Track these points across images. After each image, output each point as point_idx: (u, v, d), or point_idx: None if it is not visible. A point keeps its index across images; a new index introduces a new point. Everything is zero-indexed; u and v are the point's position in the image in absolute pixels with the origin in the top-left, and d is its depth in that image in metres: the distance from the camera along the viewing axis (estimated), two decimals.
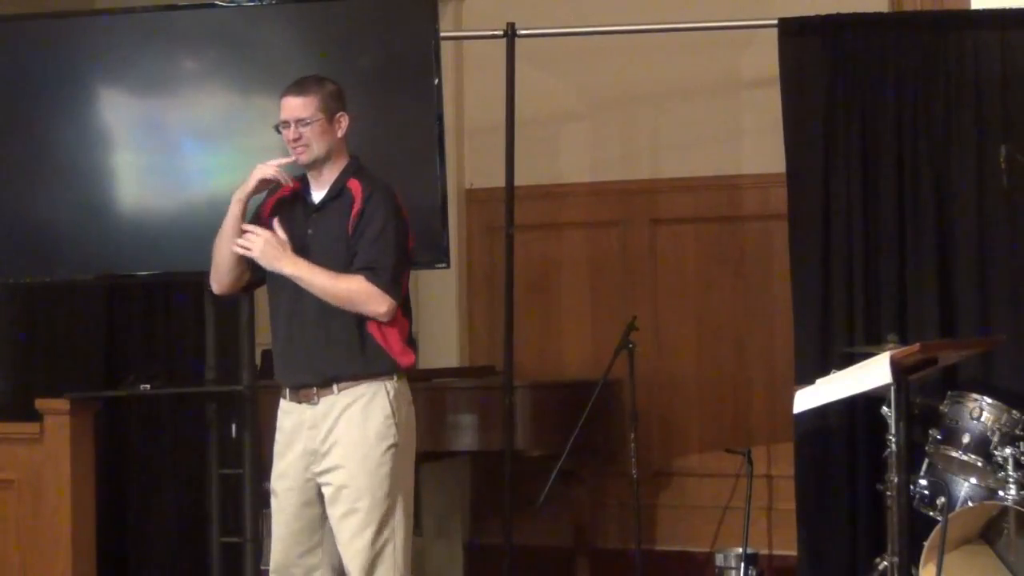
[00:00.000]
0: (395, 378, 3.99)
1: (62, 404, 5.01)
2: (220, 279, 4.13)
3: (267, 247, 3.95)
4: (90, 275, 5.19)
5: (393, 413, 3.95)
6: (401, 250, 3.97)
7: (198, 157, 5.01)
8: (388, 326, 3.96)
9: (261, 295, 5.52)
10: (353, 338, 3.93)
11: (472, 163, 6.55)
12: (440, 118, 4.90)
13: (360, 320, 3.93)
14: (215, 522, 5.14)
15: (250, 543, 5.06)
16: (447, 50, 5.72)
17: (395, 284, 3.93)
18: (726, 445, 5.69)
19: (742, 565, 5.22)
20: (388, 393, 3.96)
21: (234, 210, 4.04)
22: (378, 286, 3.89)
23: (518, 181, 5.48)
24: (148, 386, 5.12)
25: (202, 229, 4.88)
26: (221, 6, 5.09)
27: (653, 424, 6.24)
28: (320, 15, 5.07)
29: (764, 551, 5.84)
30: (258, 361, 5.43)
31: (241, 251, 3.99)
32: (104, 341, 5.89)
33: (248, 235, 3.97)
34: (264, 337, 5.95)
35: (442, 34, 5.14)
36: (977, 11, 5.86)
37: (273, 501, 4.08)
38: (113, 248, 5.05)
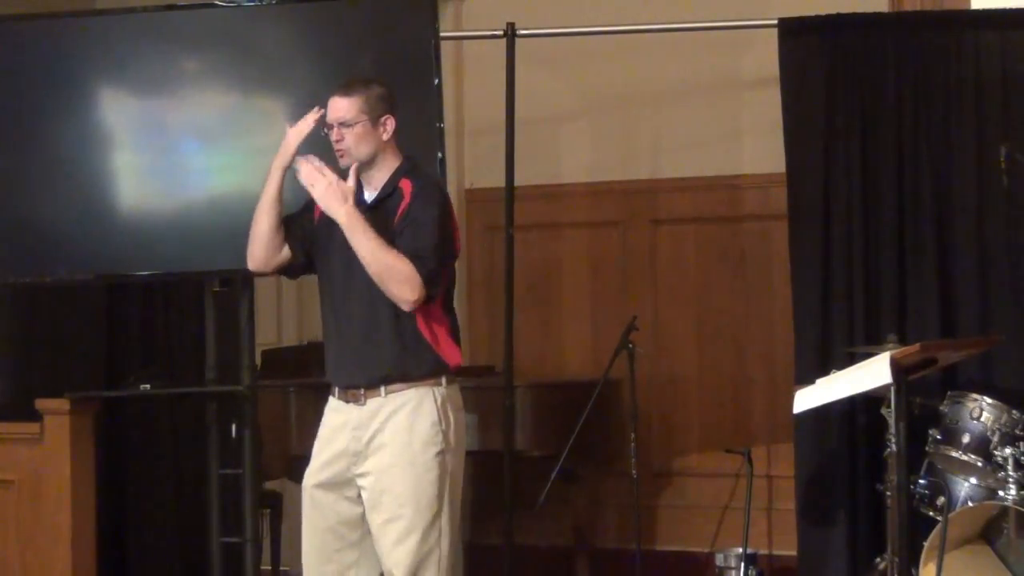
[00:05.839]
0: (444, 382, 3.93)
1: (62, 404, 5.00)
2: (255, 252, 4.03)
3: (329, 188, 3.81)
4: (90, 275, 5.18)
5: (440, 419, 3.89)
6: (446, 246, 3.90)
7: (198, 157, 5.00)
8: (437, 323, 3.92)
9: (261, 295, 5.57)
10: (403, 334, 3.86)
11: (472, 163, 6.55)
12: (440, 118, 4.90)
13: (410, 316, 3.86)
14: (215, 522, 5.13)
15: (250, 543, 5.05)
16: (447, 50, 5.71)
17: (433, 278, 3.84)
18: (726, 445, 5.68)
19: (742, 565, 5.21)
20: (436, 399, 3.90)
21: (274, 179, 3.95)
22: (420, 274, 3.79)
23: (518, 181, 5.48)
24: (148, 386, 5.12)
25: (202, 229, 4.92)
26: (221, 6, 5.08)
27: (653, 424, 6.24)
28: (320, 15, 5.06)
29: (764, 551, 5.84)
30: (258, 361, 5.43)
31: (304, 182, 3.86)
32: (104, 341, 5.88)
33: (315, 170, 3.84)
34: (264, 337, 5.99)
35: (442, 34, 5.13)
36: (977, 11, 5.86)
37: (305, 497, 3.99)
38: (113, 248, 5.04)
